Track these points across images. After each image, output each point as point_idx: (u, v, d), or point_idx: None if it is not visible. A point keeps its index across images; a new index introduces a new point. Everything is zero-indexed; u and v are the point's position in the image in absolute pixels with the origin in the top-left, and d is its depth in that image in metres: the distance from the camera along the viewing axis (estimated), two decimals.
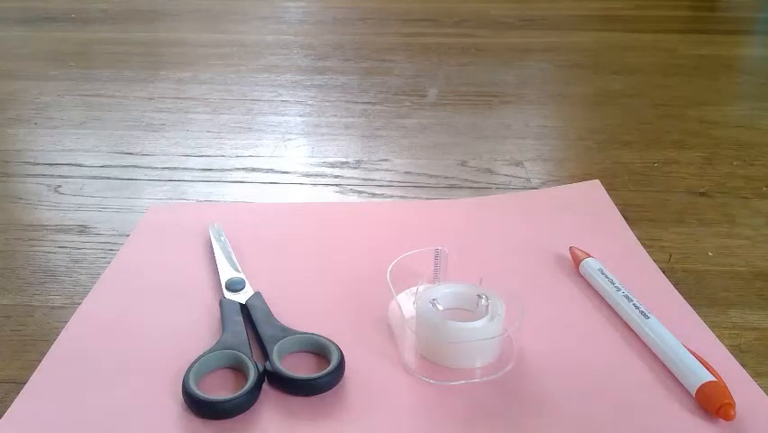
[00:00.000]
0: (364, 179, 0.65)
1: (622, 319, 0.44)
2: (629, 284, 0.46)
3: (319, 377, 0.39)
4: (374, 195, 0.63)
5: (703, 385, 0.37)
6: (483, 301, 0.42)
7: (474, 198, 0.61)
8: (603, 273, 0.47)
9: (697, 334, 0.43)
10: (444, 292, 0.44)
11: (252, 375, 0.38)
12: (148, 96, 0.86)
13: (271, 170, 0.67)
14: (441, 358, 0.41)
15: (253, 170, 0.67)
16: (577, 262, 0.49)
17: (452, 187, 0.64)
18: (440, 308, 0.42)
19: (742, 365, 0.41)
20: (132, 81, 0.91)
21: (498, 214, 0.58)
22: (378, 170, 0.67)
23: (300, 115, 0.81)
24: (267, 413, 0.37)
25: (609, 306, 0.46)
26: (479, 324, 0.40)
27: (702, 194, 0.63)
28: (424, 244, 0.46)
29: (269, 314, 0.44)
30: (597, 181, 0.63)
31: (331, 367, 0.39)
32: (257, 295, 0.45)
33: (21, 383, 0.39)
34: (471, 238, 0.54)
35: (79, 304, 0.46)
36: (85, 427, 0.37)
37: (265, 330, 0.42)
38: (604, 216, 0.58)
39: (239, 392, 0.37)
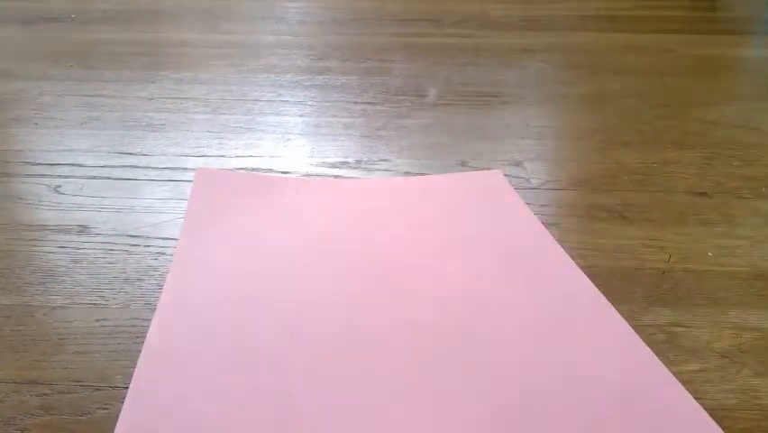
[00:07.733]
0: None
1: None
2: (545, 280, 0.48)
3: None
4: None
5: None
6: None
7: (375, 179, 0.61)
8: None
9: (617, 330, 0.43)
10: None
11: None
12: (148, 96, 0.86)
13: (271, 170, 0.67)
14: None
15: (253, 170, 0.67)
16: None
17: None
18: None
19: (742, 365, 0.41)
20: (132, 81, 0.91)
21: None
22: (377, 170, 0.67)
23: (300, 115, 0.81)
24: None
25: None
26: None
27: (702, 194, 0.63)
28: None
29: None
30: (498, 172, 0.65)
31: None
32: None
33: (21, 383, 0.39)
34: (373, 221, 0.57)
35: (79, 304, 0.46)
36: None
37: None
38: (511, 209, 0.59)
39: None
